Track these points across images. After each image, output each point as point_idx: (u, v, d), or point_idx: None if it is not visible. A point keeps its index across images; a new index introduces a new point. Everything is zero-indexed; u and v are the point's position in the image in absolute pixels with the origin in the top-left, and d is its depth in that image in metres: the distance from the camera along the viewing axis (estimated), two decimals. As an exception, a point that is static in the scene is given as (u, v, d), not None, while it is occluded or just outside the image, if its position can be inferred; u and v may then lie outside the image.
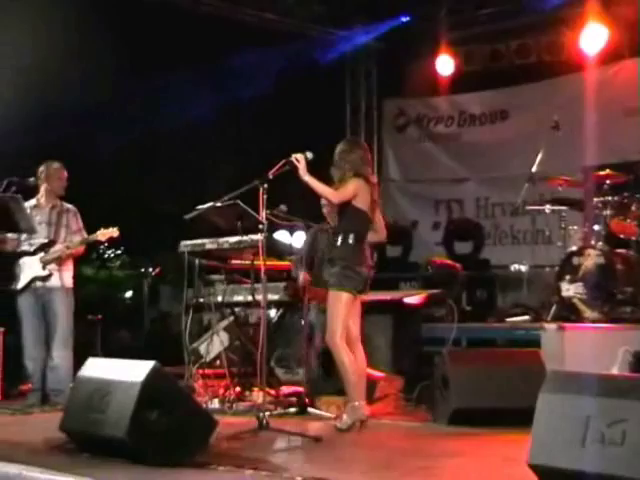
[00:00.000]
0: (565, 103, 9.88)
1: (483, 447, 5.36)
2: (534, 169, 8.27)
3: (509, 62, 11.05)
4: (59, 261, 7.29)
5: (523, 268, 9.37)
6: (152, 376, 4.68)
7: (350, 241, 6.01)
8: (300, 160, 5.92)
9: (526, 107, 10.87)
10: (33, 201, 7.42)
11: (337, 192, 6.00)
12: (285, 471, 4.47)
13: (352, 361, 6.00)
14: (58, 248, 7.29)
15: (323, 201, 7.17)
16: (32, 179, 7.33)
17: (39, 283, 7.27)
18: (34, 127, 8.93)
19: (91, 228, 7.45)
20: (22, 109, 8.72)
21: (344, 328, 5.99)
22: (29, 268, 7.29)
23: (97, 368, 5.15)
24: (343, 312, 5.98)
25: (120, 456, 4.56)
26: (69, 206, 7.52)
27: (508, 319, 8.57)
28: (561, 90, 10.44)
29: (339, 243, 6.05)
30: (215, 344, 7.58)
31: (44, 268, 7.25)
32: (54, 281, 7.29)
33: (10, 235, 7.22)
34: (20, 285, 7.31)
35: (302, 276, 7.13)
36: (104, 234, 7.26)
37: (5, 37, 8.72)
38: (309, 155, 6.00)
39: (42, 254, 7.27)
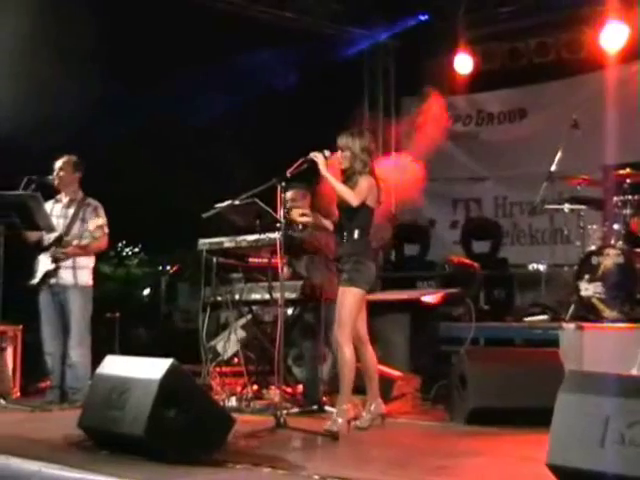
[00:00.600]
0: (585, 101, 9.81)
1: (501, 447, 5.33)
2: (553, 168, 8.23)
3: (528, 60, 11.00)
4: (68, 256, 7.27)
5: (541, 267, 9.34)
6: (170, 374, 4.69)
7: (355, 236, 5.98)
8: (319, 158, 5.92)
9: (545, 106, 10.83)
10: (57, 196, 7.49)
11: (356, 194, 5.93)
12: (302, 469, 4.46)
13: (353, 361, 5.97)
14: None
15: (289, 195, 6.83)
16: (51, 177, 7.38)
17: (53, 280, 7.28)
18: (54, 125, 8.97)
19: (111, 227, 7.44)
20: (40, 106, 8.75)
21: (353, 325, 5.99)
22: (43, 264, 7.31)
23: (115, 366, 5.16)
24: (354, 308, 5.94)
25: (138, 453, 4.57)
26: (91, 201, 7.44)
27: (526, 318, 8.54)
28: (581, 88, 10.38)
29: (345, 240, 6.02)
30: (232, 342, 7.58)
31: (53, 262, 7.26)
32: (68, 279, 7.27)
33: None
34: (35, 281, 7.33)
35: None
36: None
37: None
38: (327, 154, 6.00)
39: (53, 249, 7.29)
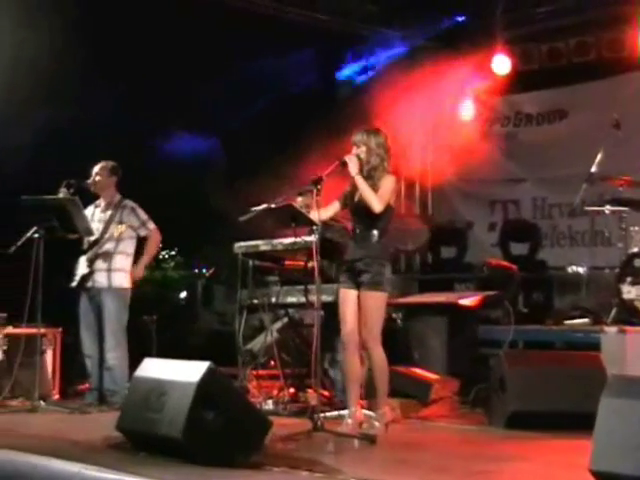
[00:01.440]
0: (626, 101, 9.69)
1: (542, 452, 5.26)
2: (593, 169, 8.12)
3: (568, 60, 10.86)
4: (106, 259, 7.31)
5: (581, 270, 9.22)
6: (207, 376, 4.69)
7: (376, 238, 5.94)
8: (352, 160, 5.90)
9: (585, 106, 10.68)
10: (97, 201, 7.56)
11: (380, 198, 5.89)
12: (340, 473, 4.44)
13: (385, 364, 5.94)
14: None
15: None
16: (89, 181, 7.43)
17: (90, 283, 7.33)
18: (88, 127, 9.04)
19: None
20: (85, 109, 8.84)
21: (381, 327, 5.95)
22: (82, 267, 7.36)
23: (153, 368, 5.17)
24: (381, 311, 5.93)
25: (176, 456, 4.57)
26: (127, 202, 7.50)
27: (566, 322, 8.43)
28: (622, 88, 10.23)
29: (365, 240, 5.97)
30: (268, 345, 7.56)
31: (88, 266, 7.31)
32: (102, 282, 7.31)
33: None
34: (74, 284, 7.38)
35: None
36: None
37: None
38: (362, 156, 5.98)
39: (90, 252, 7.35)
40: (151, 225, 7.45)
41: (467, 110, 11.80)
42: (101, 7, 8.87)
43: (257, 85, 10.04)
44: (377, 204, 5.88)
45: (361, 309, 5.93)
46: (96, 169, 7.49)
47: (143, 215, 7.45)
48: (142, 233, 7.41)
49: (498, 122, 11.79)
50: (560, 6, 10.40)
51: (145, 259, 7.49)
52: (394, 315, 8.37)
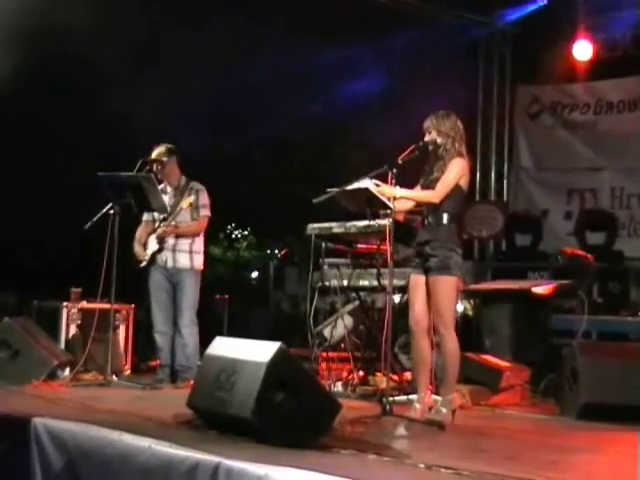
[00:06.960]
0: None
1: (613, 444, 5.18)
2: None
3: (652, 47, 10.65)
4: (166, 235, 7.35)
5: (659, 261, 9.06)
6: (278, 357, 4.70)
7: (445, 221, 5.82)
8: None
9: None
10: (161, 186, 7.57)
11: (443, 184, 5.78)
12: (408, 458, 4.41)
13: (457, 350, 5.81)
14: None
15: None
16: (154, 169, 7.44)
17: (170, 263, 7.39)
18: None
19: (221, 210, 7.51)
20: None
21: (453, 313, 5.88)
22: (152, 245, 7.43)
23: (224, 347, 5.19)
24: (453, 296, 5.81)
25: (245, 435, 4.59)
26: (194, 184, 7.49)
27: (642, 313, 8.30)
28: None
29: (434, 224, 5.86)
30: (339, 328, 7.57)
31: (158, 244, 7.38)
32: (185, 263, 7.37)
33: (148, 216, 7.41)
34: (144, 262, 7.45)
35: None
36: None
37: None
38: (439, 141, 5.90)
39: (159, 230, 7.42)
40: (205, 212, 7.45)
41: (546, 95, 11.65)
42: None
43: (342, 71, 9.97)
44: (432, 197, 5.80)
45: (430, 295, 5.85)
46: (154, 155, 7.42)
47: (204, 200, 7.45)
48: (194, 215, 7.43)
49: (577, 109, 11.60)
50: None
51: (180, 228, 7.34)
52: (466, 302, 8.32)
